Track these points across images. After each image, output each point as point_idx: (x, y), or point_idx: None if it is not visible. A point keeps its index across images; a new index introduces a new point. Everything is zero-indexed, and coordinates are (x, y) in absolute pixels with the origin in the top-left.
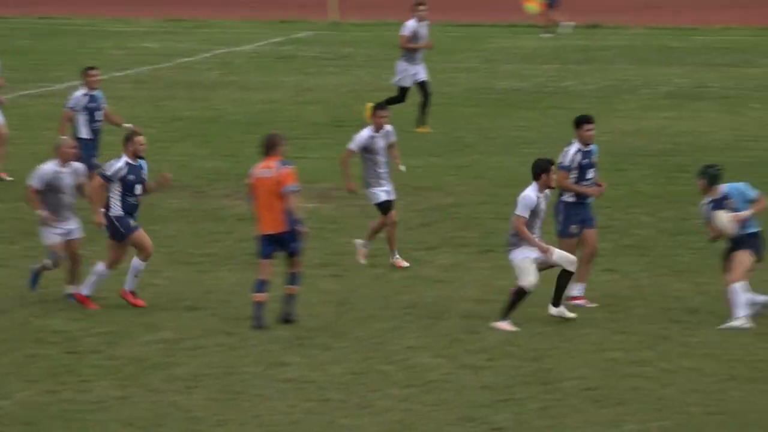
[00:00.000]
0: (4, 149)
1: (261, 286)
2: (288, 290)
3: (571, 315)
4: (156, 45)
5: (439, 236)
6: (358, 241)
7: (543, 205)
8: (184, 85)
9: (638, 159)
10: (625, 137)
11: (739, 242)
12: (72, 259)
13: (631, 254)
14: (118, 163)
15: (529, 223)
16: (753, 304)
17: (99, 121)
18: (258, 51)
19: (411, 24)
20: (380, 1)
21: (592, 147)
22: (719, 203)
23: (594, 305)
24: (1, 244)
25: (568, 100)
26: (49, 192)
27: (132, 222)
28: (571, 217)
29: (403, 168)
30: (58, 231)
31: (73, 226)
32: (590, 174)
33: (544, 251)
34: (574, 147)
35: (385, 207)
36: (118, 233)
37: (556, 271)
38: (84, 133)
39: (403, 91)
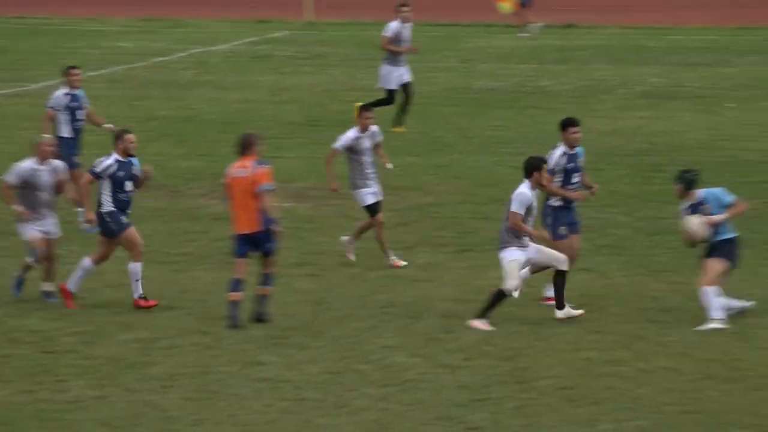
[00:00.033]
0: None
1: (236, 285)
2: (260, 291)
3: (578, 312)
4: (131, 44)
5: (417, 236)
6: (344, 238)
7: (535, 203)
8: (160, 85)
9: (615, 159)
10: (602, 137)
11: (713, 248)
12: (48, 257)
13: (607, 254)
14: (108, 161)
15: (523, 220)
16: (729, 308)
17: (80, 120)
18: (233, 50)
19: (394, 25)
20: (356, 1)
21: (578, 150)
22: (696, 208)
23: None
24: None
25: (546, 99)
26: (26, 189)
27: (124, 219)
28: (560, 219)
29: (390, 166)
30: (37, 227)
31: (50, 224)
32: (575, 178)
33: (543, 238)
34: (560, 150)
35: (372, 209)
36: (109, 230)
37: (542, 275)
38: (65, 132)
39: (390, 94)
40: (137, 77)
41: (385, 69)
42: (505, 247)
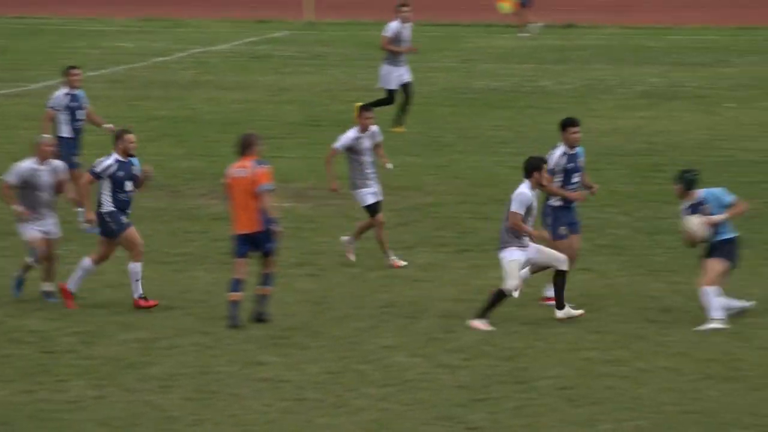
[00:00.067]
0: None
1: (236, 285)
2: (260, 291)
3: (578, 312)
4: (131, 44)
5: (416, 236)
6: (344, 238)
7: (535, 203)
8: (160, 85)
9: (614, 158)
10: (601, 137)
11: (713, 248)
12: (48, 257)
13: (607, 253)
14: (108, 161)
15: (523, 220)
16: (729, 308)
17: (80, 120)
18: (233, 50)
19: (394, 25)
20: (356, 1)
21: (578, 150)
22: (696, 208)
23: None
24: None
25: (545, 99)
26: (26, 189)
27: (124, 219)
28: (560, 219)
29: (390, 166)
30: (37, 226)
31: (51, 224)
32: (575, 178)
33: (543, 238)
34: (560, 150)
35: (372, 209)
36: (110, 230)
37: (542, 275)
38: (65, 132)
39: (390, 94)
40: (137, 77)
41: (385, 69)
42: (505, 247)
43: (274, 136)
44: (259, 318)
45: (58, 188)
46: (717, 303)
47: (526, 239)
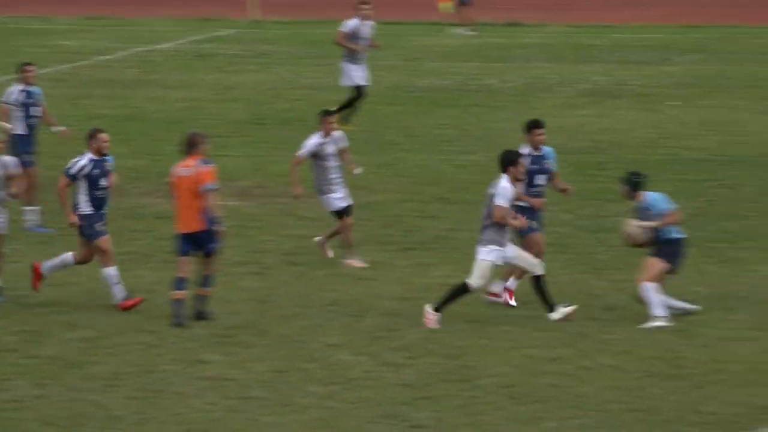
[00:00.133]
0: None
1: (180, 283)
2: (200, 291)
3: (570, 308)
4: (74, 43)
5: (361, 234)
6: (318, 239)
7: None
8: (103, 84)
9: (558, 157)
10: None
11: (657, 247)
12: None
13: (551, 252)
14: (82, 161)
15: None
16: (671, 307)
17: (35, 117)
18: (178, 49)
19: (352, 22)
20: (301, 0)
21: (545, 152)
22: (639, 211)
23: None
24: None
25: (490, 97)
26: None
27: (100, 226)
28: (525, 213)
29: (358, 171)
30: None
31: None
32: (539, 180)
33: (524, 225)
34: (524, 151)
35: (340, 213)
36: (85, 233)
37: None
38: (19, 128)
39: (357, 89)
40: (80, 76)
41: (346, 66)
42: (484, 244)
43: (218, 134)
44: (200, 317)
45: (8, 185)
46: (658, 300)
47: (506, 238)
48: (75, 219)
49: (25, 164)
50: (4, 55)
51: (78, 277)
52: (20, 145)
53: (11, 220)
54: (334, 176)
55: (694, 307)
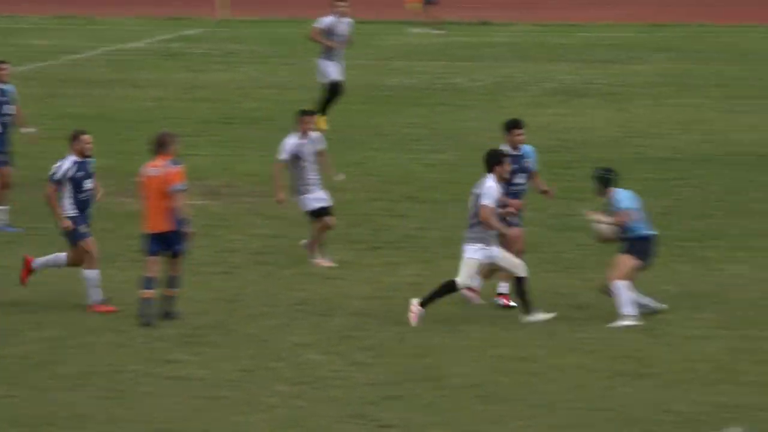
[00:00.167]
0: None
1: (149, 283)
2: (167, 292)
3: (549, 316)
4: (44, 42)
5: (330, 233)
6: (303, 242)
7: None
8: (73, 82)
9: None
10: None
11: (627, 245)
12: None
13: None
14: (66, 164)
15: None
16: (640, 306)
17: (8, 114)
18: (147, 48)
19: (327, 19)
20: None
21: (525, 151)
22: (610, 207)
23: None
24: None
25: (458, 96)
26: None
27: (84, 229)
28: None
29: (340, 177)
30: None
31: None
32: (519, 179)
33: (510, 234)
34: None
35: (316, 214)
36: (71, 234)
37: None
38: None
39: (335, 85)
40: (50, 75)
41: (322, 63)
42: (469, 243)
43: (186, 133)
44: (168, 317)
45: None
46: (628, 299)
47: (492, 237)
48: (69, 223)
49: None
50: None
51: (47, 277)
52: None
53: None
54: (311, 177)
55: (661, 305)
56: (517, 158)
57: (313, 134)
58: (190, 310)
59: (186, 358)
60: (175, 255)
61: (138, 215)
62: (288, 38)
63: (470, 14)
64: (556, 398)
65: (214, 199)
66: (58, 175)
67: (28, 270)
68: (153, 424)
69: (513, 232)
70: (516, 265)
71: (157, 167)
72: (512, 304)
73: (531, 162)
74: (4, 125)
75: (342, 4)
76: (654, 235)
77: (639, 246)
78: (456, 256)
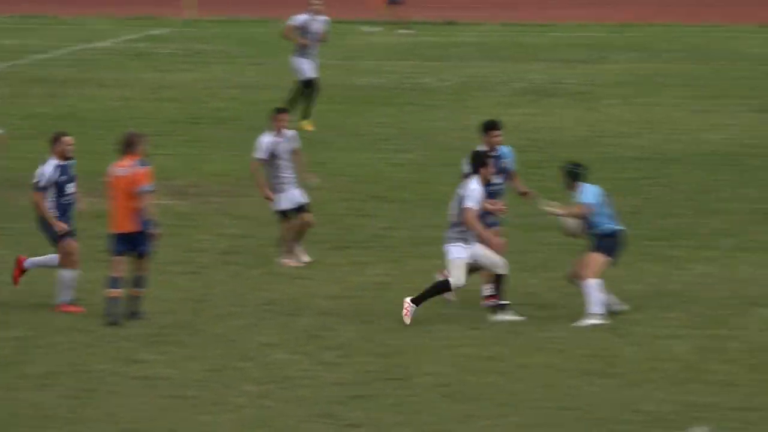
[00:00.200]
0: None
1: (115, 282)
2: (133, 292)
3: (519, 319)
4: (9, 41)
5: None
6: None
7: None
8: (38, 82)
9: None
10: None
11: (595, 242)
12: None
13: None
14: (48, 169)
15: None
16: (607, 305)
17: None
18: (113, 48)
19: (301, 17)
20: None
21: (502, 152)
22: (574, 201)
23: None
24: None
25: (426, 96)
26: None
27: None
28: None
29: (314, 181)
30: None
31: None
32: (496, 179)
33: (491, 243)
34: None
35: (286, 213)
36: (52, 235)
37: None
38: None
39: (309, 83)
40: (16, 74)
41: (296, 61)
42: (450, 243)
43: (153, 133)
44: (134, 317)
45: None
46: (598, 298)
47: (473, 236)
48: (64, 226)
49: None
50: None
51: (10, 276)
52: None
53: None
54: (285, 175)
55: (622, 306)
56: (495, 159)
57: (288, 132)
58: (157, 310)
59: (153, 358)
60: (141, 256)
61: (103, 215)
62: (255, 38)
63: (435, 14)
64: (523, 397)
65: (182, 198)
66: (43, 183)
67: (21, 270)
68: (120, 423)
69: (496, 242)
70: (497, 263)
71: (124, 167)
72: (503, 302)
73: (509, 162)
74: None
75: (316, 1)
76: (621, 231)
77: (607, 242)
78: (424, 256)
